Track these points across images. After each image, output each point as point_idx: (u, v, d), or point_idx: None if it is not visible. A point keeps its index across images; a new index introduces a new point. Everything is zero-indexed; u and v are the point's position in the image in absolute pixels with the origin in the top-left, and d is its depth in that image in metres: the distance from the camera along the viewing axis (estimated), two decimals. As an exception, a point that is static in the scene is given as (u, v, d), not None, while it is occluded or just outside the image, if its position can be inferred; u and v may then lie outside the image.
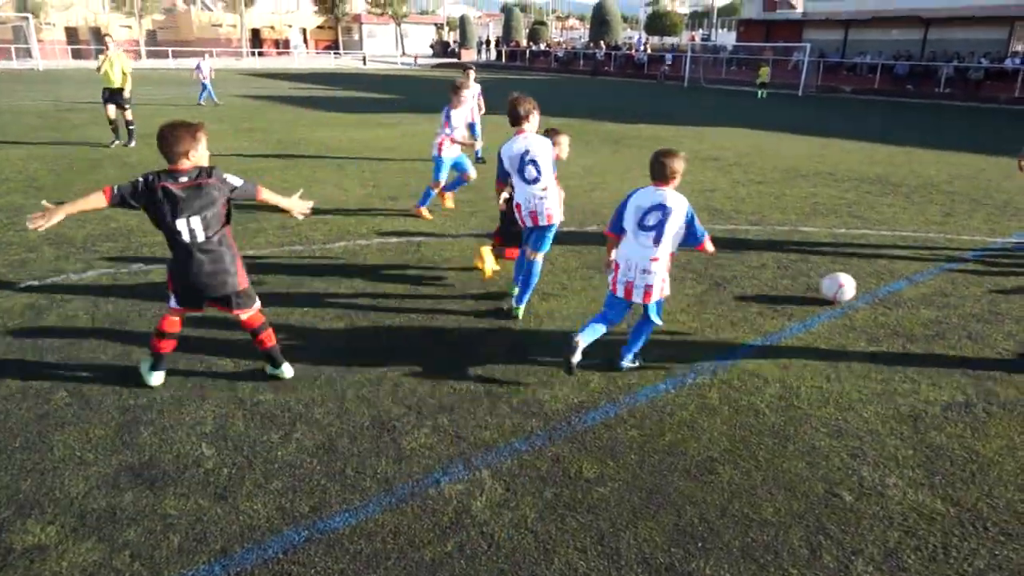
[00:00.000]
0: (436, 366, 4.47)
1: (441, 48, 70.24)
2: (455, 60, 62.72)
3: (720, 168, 12.10)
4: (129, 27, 62.56)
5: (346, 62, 60.51)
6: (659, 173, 4.17)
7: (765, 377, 4.42)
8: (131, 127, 13.38)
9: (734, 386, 4.30)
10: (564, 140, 5.55)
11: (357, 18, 76.21)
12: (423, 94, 28.38)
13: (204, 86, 22.00)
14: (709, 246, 4.34)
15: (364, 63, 57.46)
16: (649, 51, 49.70)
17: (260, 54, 65.50)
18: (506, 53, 59.42)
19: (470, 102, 11.87)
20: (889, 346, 4.93)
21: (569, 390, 4.20)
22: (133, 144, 13.31)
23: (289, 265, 6.40)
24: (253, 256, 6.62)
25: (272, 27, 72.45)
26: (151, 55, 58.89)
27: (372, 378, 4.30)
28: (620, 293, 4.23)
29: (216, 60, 55.95)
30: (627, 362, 4.49)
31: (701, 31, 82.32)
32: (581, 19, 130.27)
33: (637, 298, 4.19)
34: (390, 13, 69.76)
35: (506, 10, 75.18)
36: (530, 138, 5.06)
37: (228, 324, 5.04)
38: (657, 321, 4.35)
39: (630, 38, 69.34)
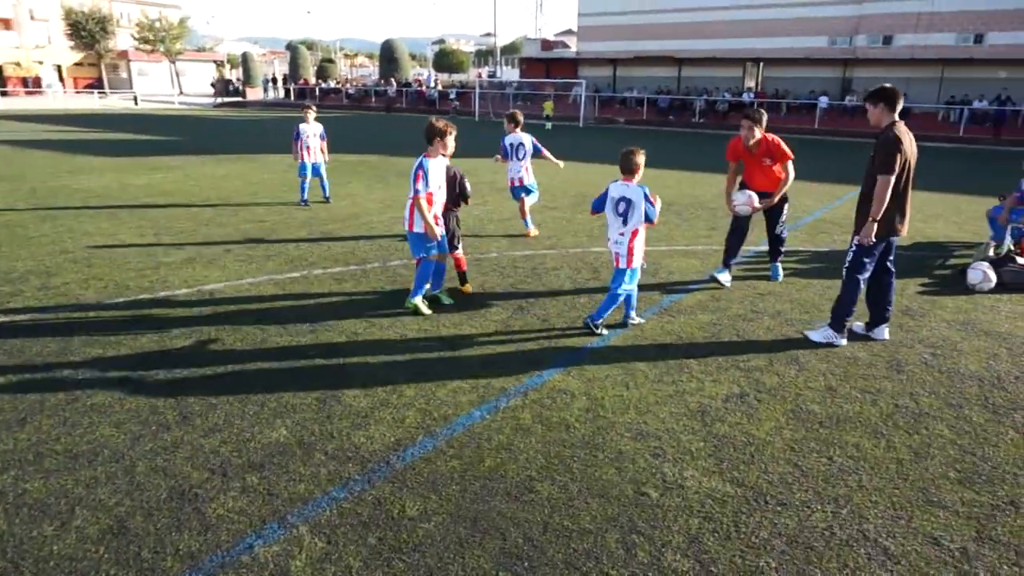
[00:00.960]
0: (240, 423, 4.17)
1: (223, 87, 66.51)
2: (240, 99, 59.84)
3: (515, 197, 12.69)
4: None
5: (114, 102, 55.13)
6: (626, 167, 5.52)
7: (572, 392, 4.66)
8: None
9: (545, 404, 4.49)
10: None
11: (124, 55, 70.02)
12: (205, 135, 26.69)
13: None
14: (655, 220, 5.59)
15: (136, 103, 52.76)
16: (440, 87, 51.07)
17: (4, 94, 57.66)
18: (295, 91, 57.80)
19: (314, 140, 11.40)
20: (676, 350, 5.44)
21: (385, 429, 4.12)
22: None
23: (57, 330, 5.64)
24: (8, 322, 5.76)
25: (18, 63, 64.05)
26: None
27: (167, 445, 3.91)
28: (614, 263, 5.69)
29: (-54, 101, 48.34)
30: (633, 319, 5.96)
31: (487, 68, 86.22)
32: (370, 57, 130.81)
33: (622, 264, 5.60)
34: (161, 50, 64.93)
35: (291, 48, 73.41)
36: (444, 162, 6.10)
37: (-21, 405, 4.32)
38: (629, 283, 5.70)
39: (420, 75, 70.85)
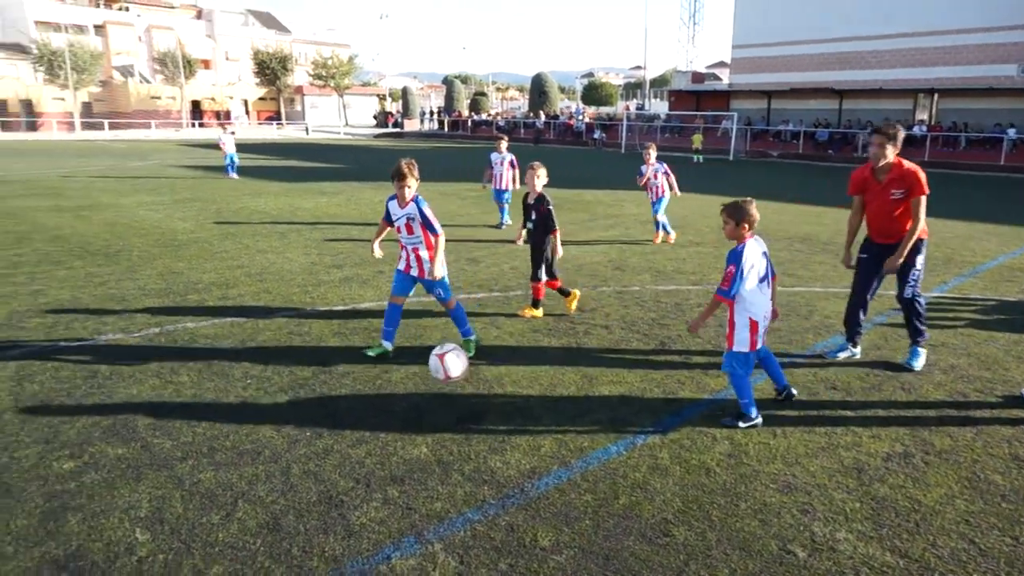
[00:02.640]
0: (385, 437, 4.37)
1: (383, 118, 71.42)
2: (398, 130, 63.75)
3: (659, 231, 12.49)
4: (62, 99, 61.50)
5: (289, 132, 60.73)
6: (756, 221, 4.55)
7: (714, 435, 4.47)
8: None
9: (684, 445, 4.33)
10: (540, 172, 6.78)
11: (299, 90, 77.15)
12: (366, 162, 28.61)
13: (230, 158, 21.15)
14: None
15: (307, 133, 57.78)
16: (587, 120, 51.62)
17: (201, 125, 65.26)
18: (448, 123, 60.75)
19: (499, 168, 12.24)
20: (830, 400, 5.07)
21: (521, 455, 4.16)
22: None
23: (232, 337, 6.23)
24: (194, 327, 6.43)
25: (213, 98, 72.38)
26: (86, 127, 57.91)
27: (318, 451, 4.17)
28: (760, 344, 4.58)
29: (154, 131, 55.48)
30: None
31: (635, 100, 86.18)
32: (520, 90, 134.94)
33: (762, 343, 4.60)
34: (332, 85, 70.93)
35: (447, 82, 77.35)
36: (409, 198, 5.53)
37: (161, 400, 4.85)
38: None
39: (568, 107, 72.03)
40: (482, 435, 4.41)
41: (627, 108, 64.51)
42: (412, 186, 5.48)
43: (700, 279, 8.77)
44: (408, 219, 5.55)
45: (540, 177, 6.68)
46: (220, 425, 4.48)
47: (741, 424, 4.57)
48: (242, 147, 37.74)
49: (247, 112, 74.53)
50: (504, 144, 12.44)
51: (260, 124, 70.83)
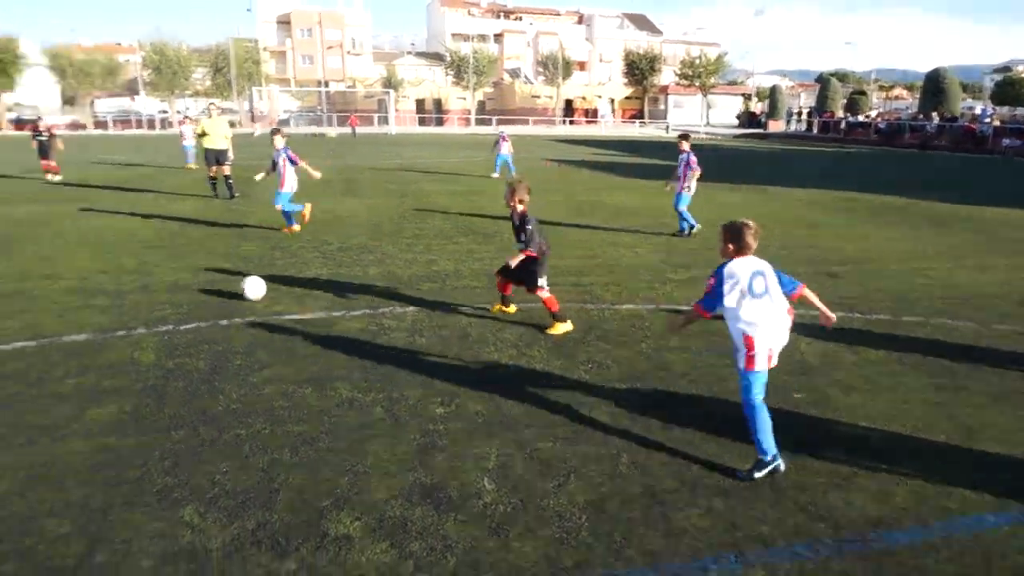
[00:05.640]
0: (716, 443, 4.27)
1: (747, 119, 69.04)
2: (761, 131, 61.01)
3: (1090, 264, 9.89)
4: (464, 99, 72.30)
5: (649, 131, 62.48)
6: (749, 247, 4.12)
7: None
8: (229, 180, 15.06)
9: (1100, 539, 3.40)
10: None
11: (664, 89, 78.72)
12: (722, 163, 27.99)
13: (505, 159, 20.81)
14: None
15: (667, 132, 58.73)
16: (996, 123, 43.11)
17: (571, 122, 70.82)
18: (818, 124, 56.11)
19: None
20: None
21: (867, 499, 3.69)
22: (237, 195, 14.90)
23: (577, 320, 6.65)
24: (530, 307, 7.04)
25: (583, 97, 78.02)
26: (478, 122, 67.23)
27: (647, 445, 4.24)
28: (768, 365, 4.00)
29: (532, 127, 61.81)
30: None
31: (1073, 99, 69.16)
32: (909, 88, 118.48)
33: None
34: (698, 84, 70.87)
35: (822, 80, 71.50)
36: None
37: (519, 370, 5.41)
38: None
39: (971, 108, 61.04)
40: (823, 465, 4.03)
41: (1058, 108, 52.12)
42: None
43: None
44: None
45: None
46: (562, 402, 4.84)
47: (756, 474, 3.87)
48: (605, 144, 39.99)
49: (613, 111, 78.64)
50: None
51: (624, 122, 74.13)
